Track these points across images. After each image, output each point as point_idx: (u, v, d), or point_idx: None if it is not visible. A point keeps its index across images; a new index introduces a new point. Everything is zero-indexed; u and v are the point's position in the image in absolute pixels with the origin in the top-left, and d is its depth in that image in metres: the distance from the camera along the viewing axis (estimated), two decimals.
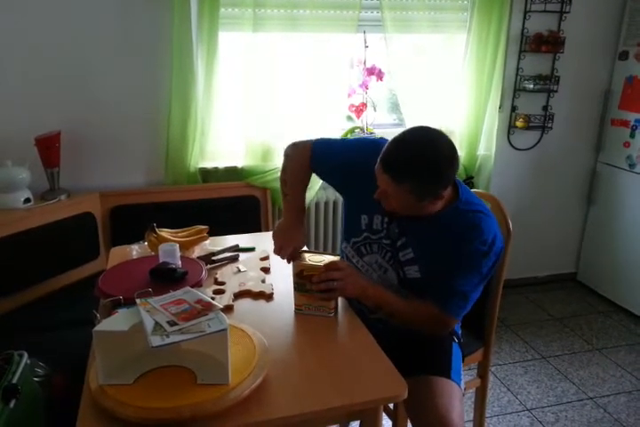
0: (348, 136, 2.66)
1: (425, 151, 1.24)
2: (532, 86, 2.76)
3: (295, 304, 1.39)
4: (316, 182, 2.51)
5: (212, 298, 1.39)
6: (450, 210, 1.35)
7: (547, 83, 2.78)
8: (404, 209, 1.33)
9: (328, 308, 1.36)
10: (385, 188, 1.29)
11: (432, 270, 1.38)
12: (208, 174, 2.48)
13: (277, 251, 1.49)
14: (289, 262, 1.46)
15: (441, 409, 1.25)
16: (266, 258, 1.69)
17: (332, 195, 2.63)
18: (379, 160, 1.27)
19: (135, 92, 2.31)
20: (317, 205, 2.62)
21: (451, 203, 1.35)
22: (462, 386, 1.38)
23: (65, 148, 2.19)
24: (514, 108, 2.84)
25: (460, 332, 1.58)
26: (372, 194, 1.33)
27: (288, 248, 1.46)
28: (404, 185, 1.24)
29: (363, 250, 1.50)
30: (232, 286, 1.50)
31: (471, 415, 1.92)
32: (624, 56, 2.81)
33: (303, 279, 1.35)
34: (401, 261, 1.42)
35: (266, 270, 1.61)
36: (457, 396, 1.31)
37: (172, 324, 1.03)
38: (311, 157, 1.53)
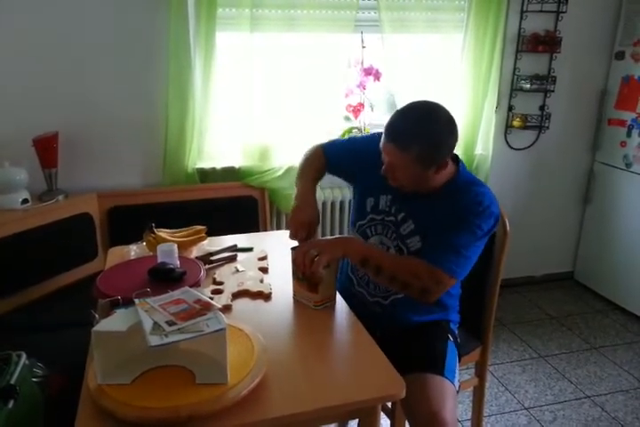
0: (346, 136, 2.66)
1: (426, 118, 1.31)
2: (528, 86, 2.77)
3: (293, 290, 1.44)
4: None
5: (211, 298, 1.38)
6: (449, 183, 1.41)
7: (543, 83, 2.78)
8: (411, 181, 1.37)
9: (313, 300, 1.38)
10: (391, 160, 1.34)
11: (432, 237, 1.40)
12: (206, 175, 2.49)
13: (292, 236, 1.49)
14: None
15: (433, 406, 1.25)
16: (264, 258, 1.70)
17: (331, 195, 2.64)
18: (383, 133, 1.33)
19: (133, 92, 2.31)
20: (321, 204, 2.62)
21: (451, 176, 1.41)
22: (456, 384, 1.38)
23: (63, 148, 2.19)
24: (511, 108, 2.85)
25: (456, 331, 1.58)
26: (379, 177, 1.39)
27: (302, 232, 1.47)
28: (408, 152, 1.29)
29: (368, 232, 1.53)
30: (230, 286, 1.50)
31: (469, 414, 1.93)
32: (620, 56, 2.81)
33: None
34: (403, 235, 1.45)
35: (264, 270, 1.61)
36: (449, 393, 1.31)
37: (170, 323, 1.03)
38: (326, 159, 1.63)
